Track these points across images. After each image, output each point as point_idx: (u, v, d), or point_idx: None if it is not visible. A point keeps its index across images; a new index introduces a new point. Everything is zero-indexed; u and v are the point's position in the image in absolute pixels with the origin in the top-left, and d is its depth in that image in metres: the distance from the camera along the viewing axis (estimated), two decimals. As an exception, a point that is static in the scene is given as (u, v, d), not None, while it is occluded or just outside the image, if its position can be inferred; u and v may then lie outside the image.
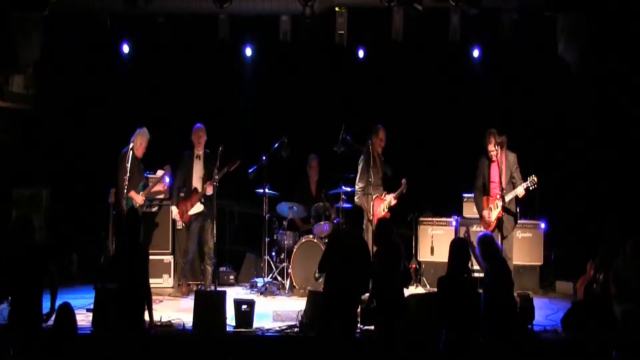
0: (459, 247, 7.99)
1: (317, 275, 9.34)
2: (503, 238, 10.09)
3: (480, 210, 10.40)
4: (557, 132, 12.27)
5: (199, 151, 11.16)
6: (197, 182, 11.13)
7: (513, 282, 8.71)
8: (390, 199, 10.96)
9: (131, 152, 10.69)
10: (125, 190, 10.60)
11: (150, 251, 11.40)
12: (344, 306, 7.94)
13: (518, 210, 10.39)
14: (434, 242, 11.79)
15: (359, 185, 10.92)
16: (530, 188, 9.96)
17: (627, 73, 10.84)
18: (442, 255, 11.59)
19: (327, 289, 8.25)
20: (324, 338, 7.96)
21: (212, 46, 12.17)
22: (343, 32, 11.36)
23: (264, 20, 11.67)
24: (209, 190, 10.94)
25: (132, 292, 8.35)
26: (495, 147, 10.10)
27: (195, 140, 11.14)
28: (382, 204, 10.93)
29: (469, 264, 8.16)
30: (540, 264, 11.57)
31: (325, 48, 11.98)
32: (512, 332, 8.08)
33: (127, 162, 10.59)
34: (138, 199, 10.90)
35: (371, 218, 10.69)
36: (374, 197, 10.80)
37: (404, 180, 10.98)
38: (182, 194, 11.21)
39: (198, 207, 11.07)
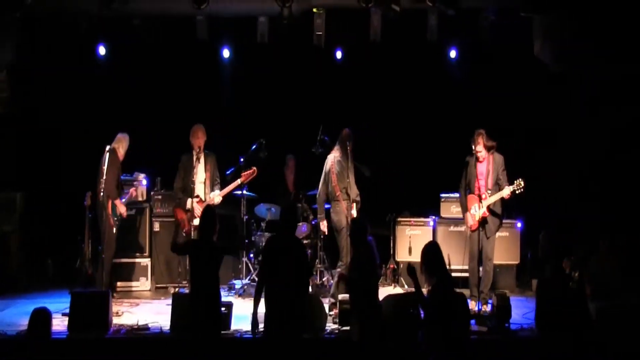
0: (434, 251, 7.98)
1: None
2: (486, 238, 10.09)
3: (464, 210, 10.33)
4: (533, 131, 12.30)
5: (199, 153, 10.77)
6: (199, 189, 10.75)
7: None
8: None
9: (107, 154, 10.54)
10: (102, 194, 10.44)
11: (127, 254, 11.52)
12: (287, 308, 7.82)
13: (501, 212, 10.36)
14: (412, 242, 11.79)
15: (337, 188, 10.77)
16: (517, 192, 9.92)
17: (604, 72, 10.88)
18: (420, 255, 11.64)
19: (269, 295, 8.03)
20: (274, 341, 7.87)
21: (190, 47, 12.11)
22: (321, 33, 11.34)
23: (241, 21, 11.63)
24: (217, 201, 10.68)
25: (209, 291, 8.03)
26: (482, 148, 10.07)
27: (194, 142, 10.76)
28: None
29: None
30: (517, 263, 11.63)
31: (303, 49, 11.95)
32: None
33: (104, 165, 10.44)
34: (122, 208, 10.81)
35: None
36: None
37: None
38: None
39: None
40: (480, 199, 10.01)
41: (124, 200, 10.95)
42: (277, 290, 7.71)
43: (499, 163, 10.15)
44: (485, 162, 10.15)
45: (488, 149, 10.10)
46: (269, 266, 7.85)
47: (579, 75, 10.99)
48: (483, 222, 10.04)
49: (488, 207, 10.03)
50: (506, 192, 9.94)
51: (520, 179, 9.89)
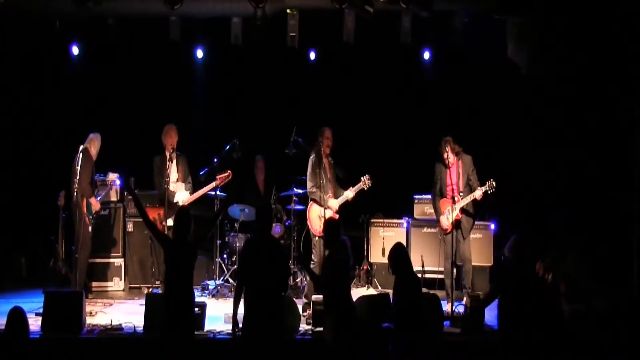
0: (399, 253, 8.03)
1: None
2: (463, 239, 10.27)
3: (438, 215, 10.47)
4: (506, 133, 12.37)
5: (172, 153, 10.73)
6: (171, 189, 10.75)
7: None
8: (347, 194, 10.62)
9: (80, 154, 10.54)
10: (76, 193, 10.45)
11: (101, 254, 11.45)
12: (266, 309, 7.83)
13: (474, 211, 10.46)
14: (385, 243, 11.78)
15: (309, 187, 10.76)
16: (489, 192, 10.04)
17: (576, 74, 10.97)
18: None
19: (248, 296, 8.01)
20: (253, 342, 7.87)
21: (163, 48, 12.04)
22: (294, 34, 11.32)
23: (215, 22, 11.60)
24: (187, 201, 10.71)
25: (183, 292, 7.93)
26: (450, 154, 10.17)
27: (166, 142, 10.77)
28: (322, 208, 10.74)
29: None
30: (490, 264, 11.67)
31: (277, 50, 11.94)
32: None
33: (77, 165, 10.46)
34: (96, 205, 10.77)
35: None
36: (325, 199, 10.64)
37: (366, 177, 10.59)
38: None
39: None
40: (453, 202, 10.12)
41: (99, 198, 10.91)
42: (255, 292, 7.71)
43: (468, 165, 10.29)
44: (455, 166, 10.31)
45: (456, 153, 10.24)
46: (247, 267, 7.86)
47: (553, 78, 11.06)
48: (457, 223, 10.16)
49: (461, 209, 10.13)
50: (478, 193, 10.07)
51: (491, 180, 10.01)
